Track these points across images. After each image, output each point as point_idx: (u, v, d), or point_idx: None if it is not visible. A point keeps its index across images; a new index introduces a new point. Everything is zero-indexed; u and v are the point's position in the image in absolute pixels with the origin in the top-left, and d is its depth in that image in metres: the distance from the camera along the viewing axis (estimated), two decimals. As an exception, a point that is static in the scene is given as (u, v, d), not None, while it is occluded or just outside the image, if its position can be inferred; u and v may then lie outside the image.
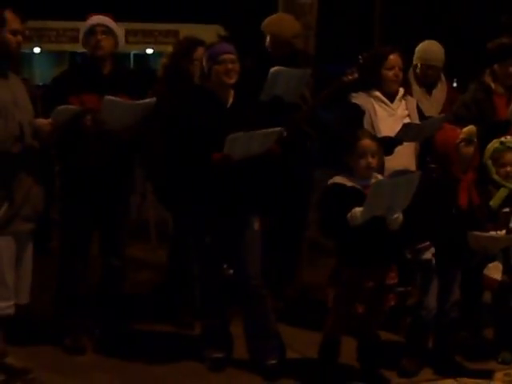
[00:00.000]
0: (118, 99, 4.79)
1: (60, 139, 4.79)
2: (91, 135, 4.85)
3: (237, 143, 4.61)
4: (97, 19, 5.13)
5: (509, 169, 5.15)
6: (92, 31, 5.08)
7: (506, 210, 5.11)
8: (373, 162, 4.65)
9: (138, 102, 4.91)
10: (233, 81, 4.85)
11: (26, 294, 4.77)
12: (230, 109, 4.89)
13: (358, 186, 4.61)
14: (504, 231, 5.02)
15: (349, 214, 4.47)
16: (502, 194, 5.11)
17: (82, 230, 5.17)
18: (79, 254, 5.21)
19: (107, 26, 5.12)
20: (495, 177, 5.17)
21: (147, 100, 4.93)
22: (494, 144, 5.22)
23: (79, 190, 5.09)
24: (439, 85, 6.10)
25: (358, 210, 4.46)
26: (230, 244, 4.92)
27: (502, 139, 5.21)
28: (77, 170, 5.07)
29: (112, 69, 5.15)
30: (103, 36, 5.07)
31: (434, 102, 5.93)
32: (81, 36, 5.18)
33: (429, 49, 6.03)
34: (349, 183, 4.63)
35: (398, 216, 4.54)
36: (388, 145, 5.08)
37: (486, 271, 5.05)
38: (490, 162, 5.19)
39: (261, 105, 5.12)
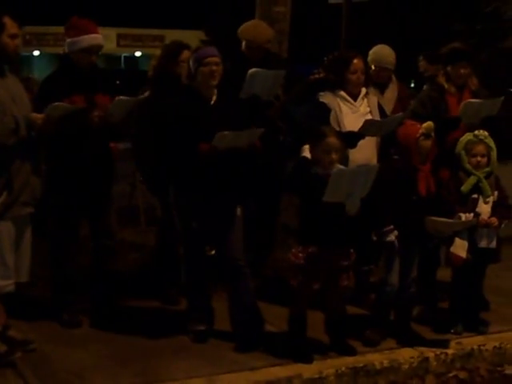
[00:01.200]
0: (125, 98, 4.81)
1: (52, 135, 4.72)
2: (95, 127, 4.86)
3: (224, 139, 4.62)
4: (96, 39, 4.98)
5: (479, 159, 5.16)
6: (90, 51, 4.95)
7: (475, 196, 5.12)
8: (335, 157, 4.64)
9: (139, 97, 4.93)
10: (216, 81, 4.83)
11: (26, 273, 4.70)
12: (213, 105, 4.87)
13: (320, 174, 4.58)
14: (472, 214, 5.04)
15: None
16: (472, 181, 5.12)
17: (69, 217, 5.11)
18: (69, 238, 5.14)
19: (102, 46, 5.04)
20: (467, 166, 5.17)
21: (145, 95, 4.96)
22: (467, 136, 5.23)
23: (66, 184, 5.02)
24: (390, 85, 6.09)
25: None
26: (216, 228, 4.89)
27: (476, 132, 5.21)
28: (67, 166, 4.99)
29: (91, 70, 5.05)
30: (96, 55, 5.01)
31: (386, 101, 5.89)
32: (74, 45, 4.97)
33: (381, 52, 6.00)
34: (313, 171, 4.62)
35: (356, 203, 4.52)
36: (352, 138, 5.08)
37: (452, 249, 5.05)
38: (463, 153, 5.19)
39: (241, 102, 5.08)
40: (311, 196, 4.53)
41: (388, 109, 5.79)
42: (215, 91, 4.88)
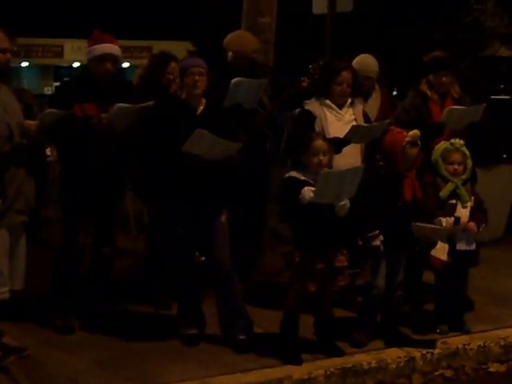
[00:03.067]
0: (124, 105, 4.80)
1: (59, 140, 4.77)
2: (100, 134, 4.83)
3: (202, 140, 4.60)
4: (108, 48, 5.05)
5: (456, 166, 5.23)
6: (103, 58, 5.01)
7: (453, 201, 5.19)
8: (324, 159, 4.68)
9: (140, 105, 4.90)
10: (199, 91, 4.87)
11: (21, 281, 4.69)
12: (200, 115, 4.90)
13: (310, 180, 4.62)
14: (452, 219, 5.11)
15: (300, 195, 4.48)
16: (449, 187, 5.20)
17: (81, 224, 5.11)
18: (78, 245, 5.13)
19: (117, 56, 5.09)
20: (444, 173, 5.24)
21: (147, 103, 4.90)
22: (443, 144, 5.30)
23: (80, 188, 5.03)
24: (374, 93, 6.14)
25: (307, 189, 4.48)
26: (203, 234, 4.92)
27: (452, 140, 5.28)
28: (78, 171, 5.02)
29: (110, 82, 5.08)
30: (112, 64, 5.04)
31: (369, 109, 5.89)
32: (89, 53, 5.07)
33: (364, 62, 6.03)
34: (302, 177, 4.64)
35: (345, 203, 4.55)
36: (337, 144, 5.11)
37: (433, 252, 5.10)
38: (440, 160, 5.26)
39: (227, 112, 5.11)
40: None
41: (371, 116, 5.83)
42: (202, 101, 4.92)
